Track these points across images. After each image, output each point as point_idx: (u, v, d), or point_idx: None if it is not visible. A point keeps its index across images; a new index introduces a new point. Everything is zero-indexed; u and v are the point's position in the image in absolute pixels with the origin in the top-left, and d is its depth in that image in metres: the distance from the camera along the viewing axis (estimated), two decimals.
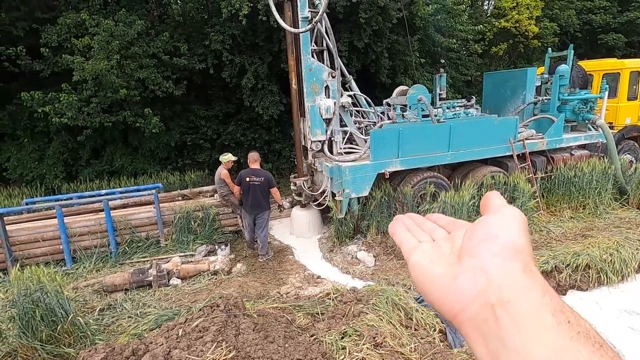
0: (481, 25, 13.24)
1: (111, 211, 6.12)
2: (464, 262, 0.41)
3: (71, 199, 7.08)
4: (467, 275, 0.39)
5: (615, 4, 16.14)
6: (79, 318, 3.82)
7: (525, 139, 7.11)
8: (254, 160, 5.96)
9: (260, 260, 6.04)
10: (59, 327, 3.56)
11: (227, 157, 6.50)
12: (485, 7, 17.15)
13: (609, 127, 7.77)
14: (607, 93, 7.87)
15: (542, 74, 8.49)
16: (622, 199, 7.31)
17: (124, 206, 6.85)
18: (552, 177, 7.30)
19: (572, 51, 8.01)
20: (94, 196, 7.02)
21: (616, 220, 6.59)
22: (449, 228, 0.51)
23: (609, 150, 7.43)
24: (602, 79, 8.40)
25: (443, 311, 0.41)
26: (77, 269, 5.68)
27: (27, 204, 6.86)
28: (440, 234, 0.51)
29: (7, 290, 4.77)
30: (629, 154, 8.76)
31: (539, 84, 8.31)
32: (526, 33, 14.66)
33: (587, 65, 9.08)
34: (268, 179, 5.87)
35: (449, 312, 0.40)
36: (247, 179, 5.81)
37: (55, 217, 5.81)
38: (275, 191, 6.01)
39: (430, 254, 0.46)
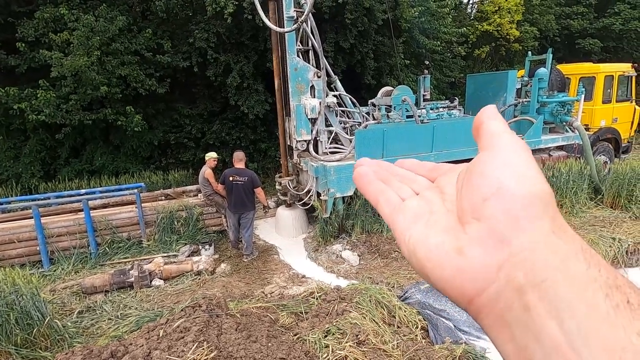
0: (464, 28, 13.50)
1: (91, 211, 5.97)
2: (470, 229, 0.29)
3: (49, 198, 6.87)
4: (478, 247, 0.28)
5: (592, 10, 16.71)
6: (57, 321, 3.73)
7: None
8: (238, 159, 5.92)
9: (245, 260, 6.00)
10: (34, 330, 3.47)
11: (209, 155, 6.47)
12: (469, 11, 17.50)
13: (585, 129, 8.04)
14: (583, 96, 8.15)
15: (522, 76, 8.72)
16: (596, 198, 7.58)
17: (105, 206, 6.70)
18: None
19: (551, 55, 8.26)
20: (73, 196, 6.83)
21: (591, 218, 6.83)
22: (431, 175, 0.40)
23: (584, 151, 7.70)
24: (579, 83, 8.69)
25: (452, 297, 0.30)
26: (54, 270, 5.52)
27: (1, 203, 6.63)
28: (422, 183, 0.39)
29: None
30: (603, 155, 9.09)
31: (520, 87, 8.54)
32: (507, 36, 15.04)
33: (565, 69, 9.37)
34: (252, 179, 5.83)
35: (460, 297, 0.29)
36: (231, 179, 5.76)
37: (31, 218, 5.63)
38: (259, 191, 5.98)
39: (420, 215, 0.34)
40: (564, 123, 8.05)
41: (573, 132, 8.07)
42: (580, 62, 10.78)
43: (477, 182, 0.30)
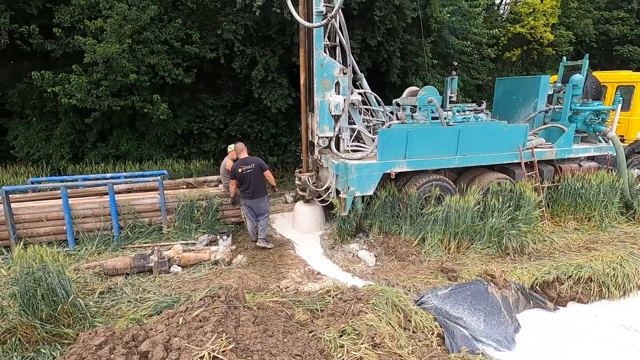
0: (496, 30, 13.08)
1: (115, 195, 6.13)
2: None
3: (76, 180, 7.11)
4: None
5: (634, 15, 15.90)
6: (79, 299, 3.84)
7: (534, 147, 7.04)
8: (240, 150, 6.07)
9: (259, 245, 6.13)
10: (59, 307, 3.58)
11: (231, 147, 6.53)
12: (501, 12, 16.95)
13: (620, 140, 7.67)
14: (620, 105, 7.77)
15: (555, 82, 8.39)
16: (628, 214, 7.24)
17: (129, 191, 6.88)
18: (559, 187, 7.24)
19: (587, 61, 7.89)
20: (99, 179, 7.04)
21: (621, 234, 6.53)
22: None
23: (618, 163, 7.35)
24: (616, 91, 8.27)
25: None
26: (79, 250, 5.71)
27: (32, 182, 6.90)
28: None
29: (9, 268, 4.81)
30: (638, 168, 8.66)
31: (551, 93, 8.21)
32: (541, 40, 14.49)
33: (602, 76, 8.95)
34: (259, 164, 5.98)
35: None
36: (240, 170, 5.89)
37: (60, 198, 5.83)
38: (268, 173, 6.11)
39: None
40: (598, 133, 7.70)
41: (607, 142, 7.72)
42: (617, 69, 10.28)
43: None
